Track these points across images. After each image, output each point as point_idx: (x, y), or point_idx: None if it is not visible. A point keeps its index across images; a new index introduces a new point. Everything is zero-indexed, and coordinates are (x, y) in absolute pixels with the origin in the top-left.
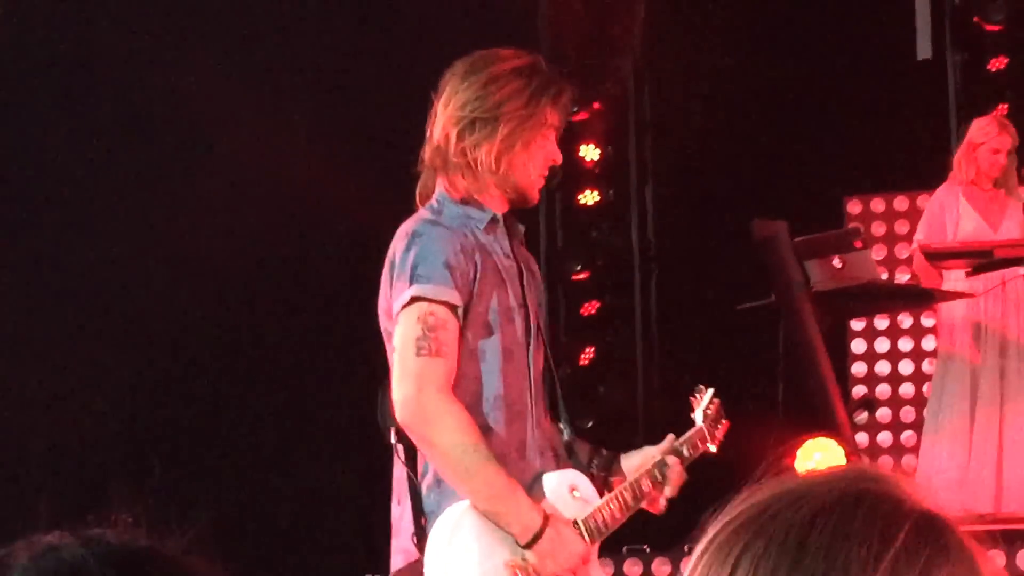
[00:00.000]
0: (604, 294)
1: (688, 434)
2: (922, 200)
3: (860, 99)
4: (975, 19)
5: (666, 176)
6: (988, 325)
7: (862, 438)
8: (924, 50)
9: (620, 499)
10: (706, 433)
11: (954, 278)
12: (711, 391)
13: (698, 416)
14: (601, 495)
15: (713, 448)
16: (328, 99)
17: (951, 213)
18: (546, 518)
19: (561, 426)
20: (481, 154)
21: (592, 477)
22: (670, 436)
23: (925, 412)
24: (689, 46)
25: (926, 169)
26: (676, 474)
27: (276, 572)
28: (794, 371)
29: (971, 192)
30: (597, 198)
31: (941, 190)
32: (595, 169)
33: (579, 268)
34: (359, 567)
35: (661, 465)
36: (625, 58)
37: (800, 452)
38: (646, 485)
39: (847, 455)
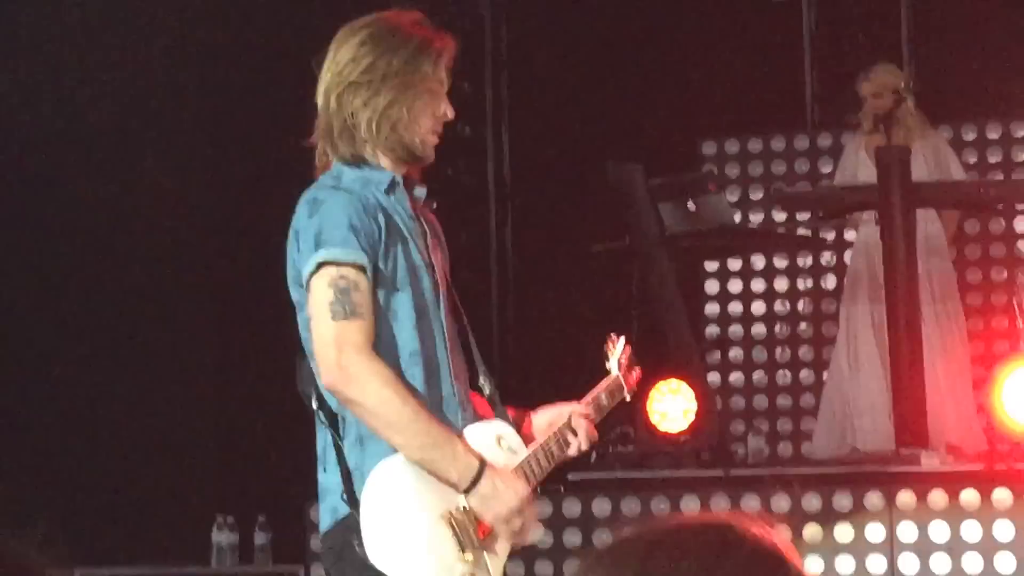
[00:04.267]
0: (459, 231)
1: (604, 383)
2: (776, 142)
3: (716, 40)
4: None
5: (522, 114)
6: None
7: (714, 378)
8: None
9: (547, 448)
10: (622, 381)
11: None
12: (623, 339)
13: (613, 365)
14: (527, 445)
15: (628, 396)
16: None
17: (851, 164)
18: (483, 462)
19: (482, 381)
20: (361, 120)
21: (517, 428)
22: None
23: (833, 356)
24: None
25: (780, 111)
26: (588, 430)
27: (132, 515)
28: (648, 312)
29: (872, 140)
30: (452, 134)
31: (851, 143)
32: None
33: (434, 205)
34: (213, 508)
35: (578, 416)
36: None
37: (652, 393)
38: (569, 435)
39: (698, 397)
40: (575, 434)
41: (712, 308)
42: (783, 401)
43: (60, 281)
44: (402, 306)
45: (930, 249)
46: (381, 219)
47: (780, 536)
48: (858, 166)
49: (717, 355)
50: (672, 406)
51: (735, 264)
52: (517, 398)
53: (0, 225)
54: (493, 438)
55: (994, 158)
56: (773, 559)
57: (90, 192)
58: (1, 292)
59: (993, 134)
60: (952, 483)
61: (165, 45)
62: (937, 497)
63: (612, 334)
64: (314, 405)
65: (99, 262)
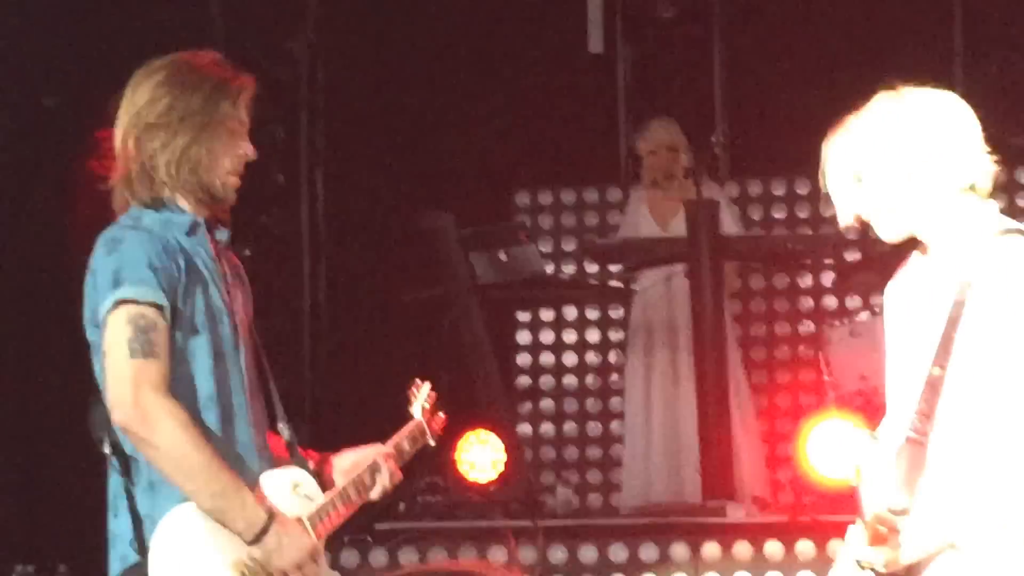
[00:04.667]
0: (272, 279)
1: (407, 428)
2: (588, 194)
3: (530, 92)
4: (647, 14)
5: (337, 163)
6: (659, 321)
7: (525, 429)
8: (596, 44)
9: (344, 494)
10: (425, 426)
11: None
12: (427, 385)
13: (416, 410)
14: (324, 491)
15: (432, 442)
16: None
17: (633, 219)
18: (271, 514)
19: (280, 426)
20: (160, 162)
21: (316, 475)
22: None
23: (626, 408)
24: (363, 32)
25: (594, 163)
26: (391, 470)
27: None
28: (458, 362)
29: (652, 195)
30: (266, 182)
31: (633, 198)
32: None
33: (247, 252)
34: (13, 557)
35: (381, 458)
36: (298, 41)
37: (461, 444)
38: (368, 480)
39: (507, 447)
40: (378, 476)
41: (523, 358)
42: (593, 452)
43: None
44: (200, 349)
45: None
46: (181, 261)
47: None
48: (639, 221)
49: (528, 405)
50: (481, 456)
51: (547, 315)
52: (328, 444)
53: None
54: (289, 485)
55: (803, 213)
56: None
57: None
58: None
59: (802, 189)
60: (756, 535)
61: None
62: (741, 548)
63: (417, 380)
64: (107, 449)
65: None
